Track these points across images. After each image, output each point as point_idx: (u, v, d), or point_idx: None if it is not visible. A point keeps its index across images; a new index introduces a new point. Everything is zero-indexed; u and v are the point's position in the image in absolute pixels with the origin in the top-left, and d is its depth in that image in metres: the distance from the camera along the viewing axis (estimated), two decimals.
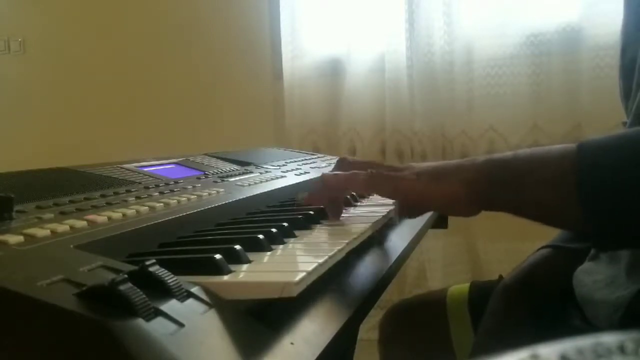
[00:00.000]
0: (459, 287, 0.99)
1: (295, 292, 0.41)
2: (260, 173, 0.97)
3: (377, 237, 0.71)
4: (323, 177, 0.72)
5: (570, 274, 0.76)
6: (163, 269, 0.38)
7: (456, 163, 0.65)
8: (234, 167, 0.99)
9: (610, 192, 0.54)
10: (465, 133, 1.91)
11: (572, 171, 0.56)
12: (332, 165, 0.78)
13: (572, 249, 0.81)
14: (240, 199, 0.75)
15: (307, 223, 0.66)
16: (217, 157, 1.03)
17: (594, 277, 0.71)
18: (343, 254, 0.54)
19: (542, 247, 0.85)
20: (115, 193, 0.66)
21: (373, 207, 0.82)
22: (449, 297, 0.97)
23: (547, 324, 0.77)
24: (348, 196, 0.84)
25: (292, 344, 0.38)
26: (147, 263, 0.38)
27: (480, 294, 0.93)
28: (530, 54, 1.83)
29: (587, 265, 0.74)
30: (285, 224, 0.61)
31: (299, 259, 0.53)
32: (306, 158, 1.27)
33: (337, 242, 0.55)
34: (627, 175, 0.54)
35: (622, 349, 0.20)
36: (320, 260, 0.47)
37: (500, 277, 0.87)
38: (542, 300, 0.79)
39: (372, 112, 2.00)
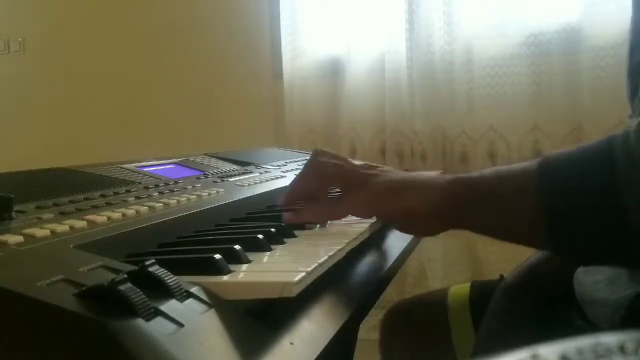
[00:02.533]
0: (460, 287, 0.99)
1: (294, 292, 0.41)
2: (260, 173, 0.97)
3: (375, 238, 0.71)
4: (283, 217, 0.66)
5: (572, 273, 0.76)
6: (163, 269, 0.38)
7: (423, 178, 0.63)
8: (234, 167, 0.99)
9: (571, 211, 0.53)
10: (465, 133, 1.90)
11: (532, 190, 0.54)
12: None
13: None
14: (240, 199, 0.75)
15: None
16: (217, 157, 1.03)
17: (594, 277, 0.70)
18: (343, 254, 0.54)
19: None
20: (115, 193, 0.66)
21: None
22: (450, 297, 0.97)
23: (549, 324, 0.76)
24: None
25: (291, 344, 0.38)
26: (147, 263, 0.38)
27: (481, 293, 0.93)
28: (531, 54, 1.83)
29: None
30: (285, 224, 0.61)
31: (299, 259, 0.53)
32: (306, 158, 1.26)
33: (337, 242, 0.55)
34: (587, 193, 0.52)
35: (622, 349, 0.20)
36: (320, 260, 0.47)
37: (502, 276, 0.86)
38: (544, 300, 0.79)
39: (372, 112, 2.00)
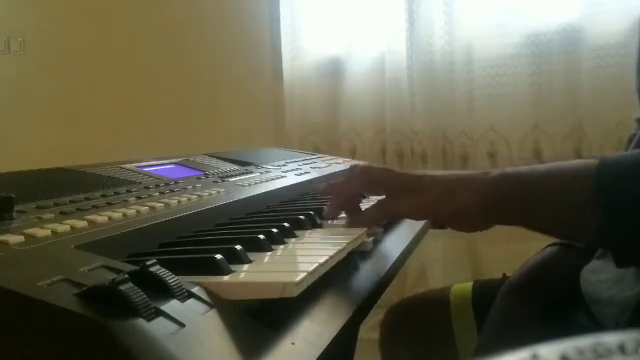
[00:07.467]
0: (462, 286, 0.99)
1: (295, 292, 0.41)
2: (260, 173, 0.97)
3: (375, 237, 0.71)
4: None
5: (578, 271, 0.76)
6: (164, 269, 0.38)
7: (467, 175, 0.65)
8: (234, 167, 0.99)
9: (629, 210, 0.55)
10: (465, 133, 1.90)
11: (591, 189, 0.56)
12: (331, 166, 0.78)
13: (579, 246, 0.80)
14: (240, 199, 0.75)
15: (307, 223, 0.66)
16: (217, 157, 1.03)
17: (601, 276, 0.70)
18: (344, 254, 0.54)
19: (549, 245, 0.84)
20: (116, 193, 0.66)
21: None
22: (453, 296, 0.97)
23: (554, 323, 0.76)
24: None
25: (292, 344, 0.38)
26: (148, 263, 0.38)
27: (484, 292, 0.93)
28: (531, 54, 1.83)
29: (593, 263, 0.74)
30: (286, 224, 0.61)
31: (300, 259, 0.53)
32: (306, 158, 1.27)
33: (337, 242, 0.55)
34: None
35: (622, 349, 0.20)
36: (321, 261, 0.47)
37: (504, 275, 0.86)
38: (550, 299, 0.78)
39: (372, 112, 2.00)
